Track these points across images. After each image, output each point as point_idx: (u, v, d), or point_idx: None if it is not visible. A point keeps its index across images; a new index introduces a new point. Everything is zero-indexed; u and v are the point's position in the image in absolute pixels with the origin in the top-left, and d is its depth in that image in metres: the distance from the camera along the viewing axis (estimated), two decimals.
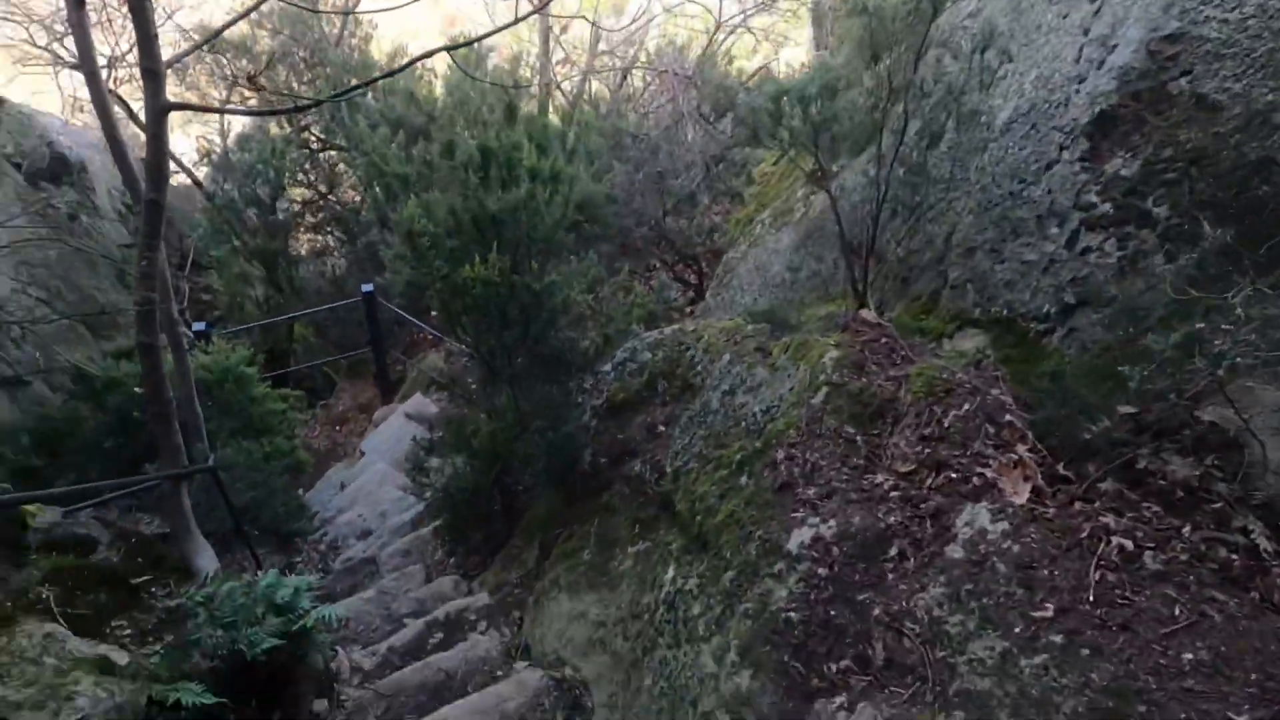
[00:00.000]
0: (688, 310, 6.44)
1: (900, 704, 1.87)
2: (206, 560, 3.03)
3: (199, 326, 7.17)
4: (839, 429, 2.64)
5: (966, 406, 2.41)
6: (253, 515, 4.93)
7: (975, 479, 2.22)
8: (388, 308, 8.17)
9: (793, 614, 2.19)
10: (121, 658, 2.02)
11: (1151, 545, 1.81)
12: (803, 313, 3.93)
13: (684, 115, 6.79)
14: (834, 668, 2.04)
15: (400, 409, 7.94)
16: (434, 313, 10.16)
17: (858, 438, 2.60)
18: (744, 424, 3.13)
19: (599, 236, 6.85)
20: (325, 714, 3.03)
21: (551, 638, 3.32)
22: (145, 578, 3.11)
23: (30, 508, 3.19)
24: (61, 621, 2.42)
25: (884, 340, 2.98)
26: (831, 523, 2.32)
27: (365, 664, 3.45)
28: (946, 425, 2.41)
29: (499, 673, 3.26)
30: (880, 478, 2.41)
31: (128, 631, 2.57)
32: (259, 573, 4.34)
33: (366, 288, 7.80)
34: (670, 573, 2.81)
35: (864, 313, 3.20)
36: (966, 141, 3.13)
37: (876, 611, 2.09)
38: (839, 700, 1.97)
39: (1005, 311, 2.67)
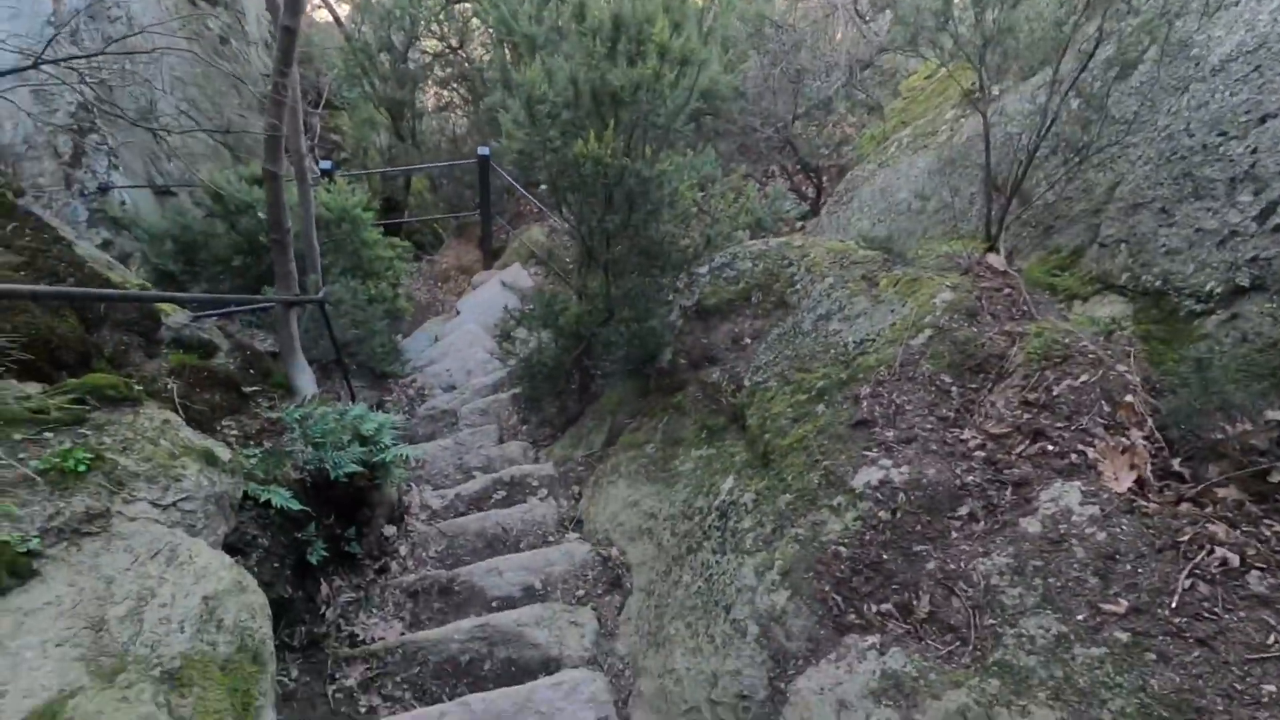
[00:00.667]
0: (798, 225, 6.13)
1: (934, 659, 1.84)
2: (306, 382, 3.28)
3: (325, 165, 7.46)
4: (934, 376, 2.48)
5: (1084, 378, 2.19)
6: (353, 350, 5.30)
7: (1073, 455, 2.05)
8: (500, 174, 8.21)
9: (843, 548, 2.16)
10: (225, 453, 2.23)
11: (1262, 566, 1.63)
12: (922, 246, 3.64)
13: (836, 8, 6.16)
14: (874, 609, 2.02)
15: (498, 276, 8.15)
16: (542, 186, 10.19)
17: (953, 388, 2.44)
18: (833, 352, 3.00)
19: (720, 132, 6.52)
20: (393, 538, 3.32)
21: (604, 518, 3.46)
22: (254, 388, 3.42)
23: (165, 307, 3.52)
24: (180, 412, 2.70)
25: (1006, 290, 2.73)
26: (905, 469, 2.22)
27: (434, 503, 3.73)
28: (1055, 394, 2.21)
29: (550, 538, 3.45)
30: (967, 434, 2.27)
31: (234, 432, 2.85)
32: (352, 403, 4.71)
33: (483, 150, 7.83)
34: (729, 483, 2.82)
35: (991, 257, 2.92)
36: (1165, 77, 2.67)
37: (930, 566, 2.02)
38: (872, 640, 1.96)
39: (1159, 283, 2.35)
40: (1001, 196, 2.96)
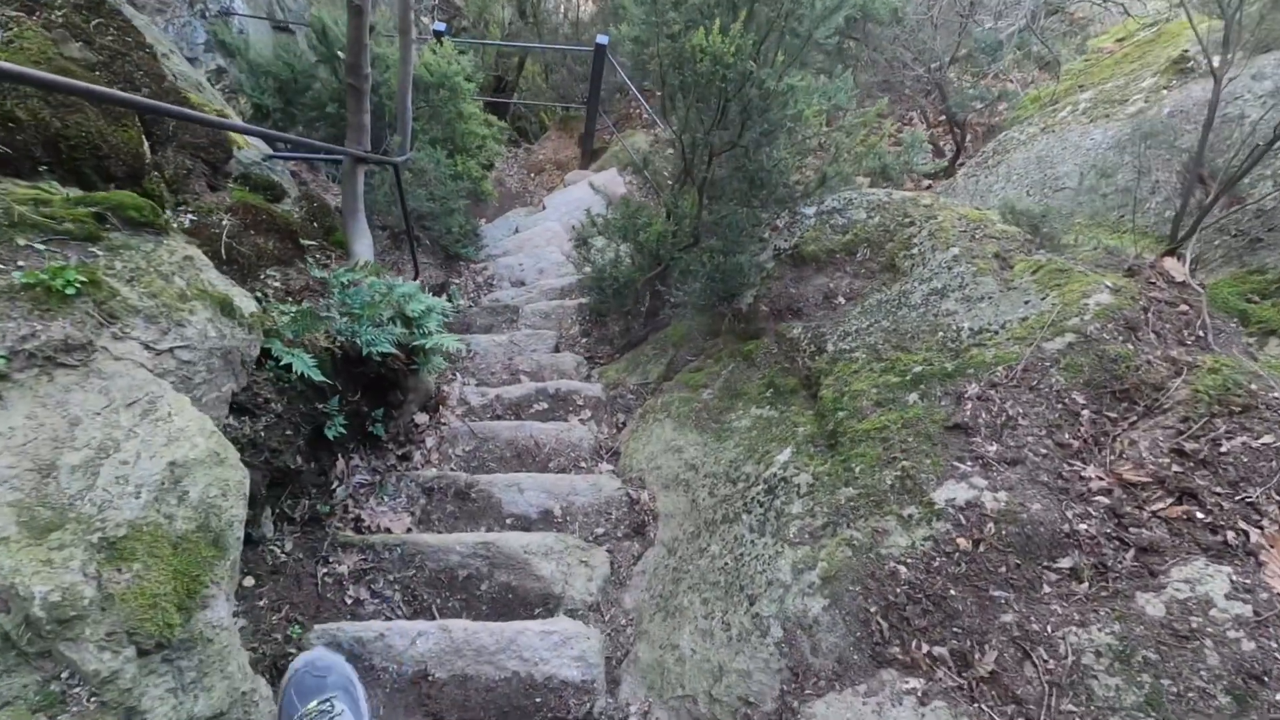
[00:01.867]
0: (927, 182, 5.46)
1: None
2: (363, 248, 3.08)
3: (438, 26, 7.12)
4: (1064, 391, 2.03)
5: (1267, 439, 1.72)
6: (427, 225, 5.11)
7: (1229, 533, 1.61)
8: (616, 69, 7.68)
9: (904, 569, 1.82)
10: (249, 305, 2.04)
11: None
12: (1080, 233, 3.06)
13: None
14: (925, 649, 1.69)
15: (590, 178, 7.77)
16: (657, 93, 9.56)
17: (1084, 411, 1.99)
18: (941, 335, 2.56)
19: (860, 60, 5.79)
20: (423, 427, 3.18)
21: (642, 457, 3.20)
22: (313, 241, 3.25)
23: (237, 138, 3.35)
24: (222, 250, 2.53)
25: (1182, 307, 2.20)
26: (1001, 495, 1.83)
27: (473, 399, 3.56)
28: (1222, 450, 1.75)
29: (582, 463, 3.24)
30: (1091, 472, 1.84)
31: (275, 283, 2.68)
32: (415, 279, 4.55)
33: (601, 39, 7.30)
34: (785, 455, 2.49)
35: (1170, 262, 2.37)
36: None
37: (1007, 618, 1.66)
38: (913, 684, 1.65)
39: None
40: (1204, 190, 2.37)
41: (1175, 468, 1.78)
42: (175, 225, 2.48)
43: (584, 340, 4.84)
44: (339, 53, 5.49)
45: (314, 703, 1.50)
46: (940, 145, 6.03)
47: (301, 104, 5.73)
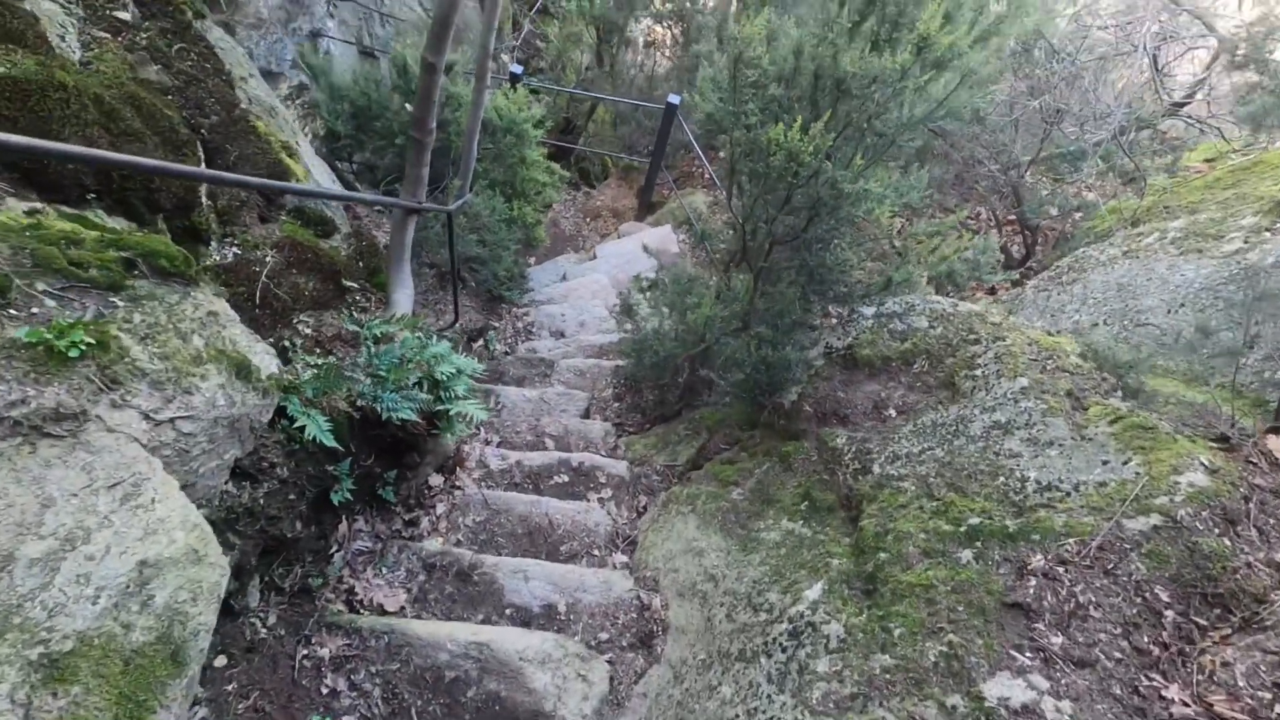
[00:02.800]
0: (992, 287, 5.23)
1: None
2: (403, 298, 3.00)
3: (516, 69, 7.23)
4: (1147, 583, 1.79)
5: None
6: (474, 268, 5.06)
7: None
8: (683, 129, 7.68)
9: None
10: (268, 365, 1.94)
11: None
12: (1165, 381, 2.82)
13: (1141, 48, 5.04)
14: None
15: (646, 232, 7.73)
16: (721, 153, 9.56)
17: (1168, 613, 1.74)
18: (1002, 480, 2.33)
19: (935, 153, 5.65)
20: (437, 490, 3.03)
21: (660, 555, 3.00)
22: (353, 284, 3.19)
23: (297, 169, 3.33)
24: (257, 296, 2.45)
25: None
26: (1065, 705, 1.59)
27: (492, 463, 3.41)
28: None
29: (595, 552, 3.04)
30: (1174, 693, 1.59)
31: (307, 330, 2.59)
32: (455, 325, 4.48)
33: (673, 99, 7.32)
34: (815, 592, 2.26)
35: (1274, 441, 2.12)
36: None
37: None
38: None
39: None
40: None
41: (1275, 698, 1.51)
42: (213, 261, 2.42)
43: (616, 405, 4.68)
44: (414, 90, 5.56)
45: None
46: (1008, 246, 5.81)
47: (372, 131, 5.80)
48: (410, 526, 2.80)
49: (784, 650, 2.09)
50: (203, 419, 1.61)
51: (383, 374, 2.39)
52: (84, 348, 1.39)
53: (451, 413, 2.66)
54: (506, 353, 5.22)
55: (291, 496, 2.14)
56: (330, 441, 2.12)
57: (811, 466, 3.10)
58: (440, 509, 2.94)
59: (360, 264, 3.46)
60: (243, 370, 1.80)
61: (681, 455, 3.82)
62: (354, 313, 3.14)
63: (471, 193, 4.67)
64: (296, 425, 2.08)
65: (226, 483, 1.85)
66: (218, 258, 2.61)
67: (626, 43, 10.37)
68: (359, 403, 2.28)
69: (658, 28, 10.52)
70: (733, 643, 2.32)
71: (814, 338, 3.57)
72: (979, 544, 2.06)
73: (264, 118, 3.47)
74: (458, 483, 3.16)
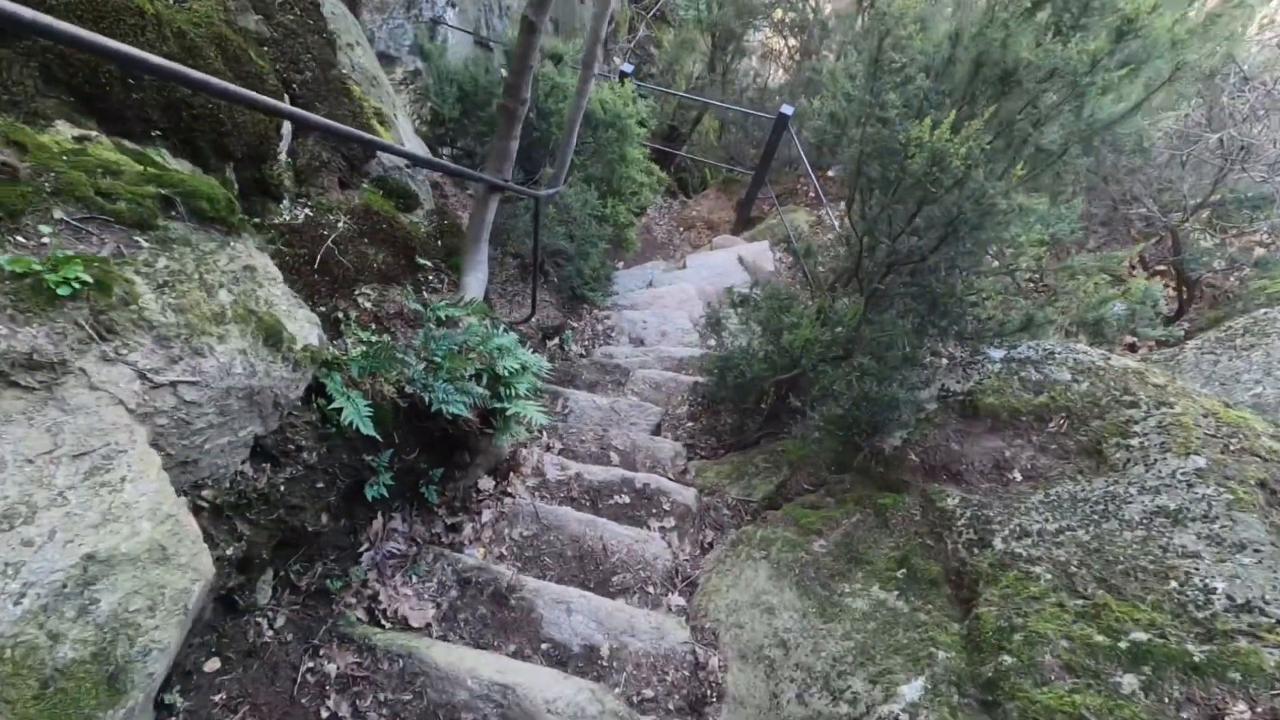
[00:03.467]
0: (1133, 344, 4.55)
1: None
2: (475, 282, 2.75)
3: (626, 68, 7.04)
4: None
5: None
6: (560, 263, 4.83)
7: None
8: (794, 142, 7.28)
9: None
10: (306, 335, 1.70)
11: None
12: None
13: None
14: None
15: (740, 247, 7.35)
16: (831, 172, 9.07)
17: None
18: (1175, 585, 1.82)
19: (1083, 184, 5.01)
20: (486, 495, 2.76)
21: (723, 604, 2.61)
22: (428, 262, 2.98)
23: (387, 135, 3.17)
24: (316, 259, 2.25)
25: None
26: None
27: (550, 472, 3.12)
28: None
29: (651, 588, 2.69)
30: None
31: (367, 304, 2.38)
32: (531, 319, 4.24)
33: (786, 109, 6.93)
34: (913, 692, 1.83)
35: None
36: None
37: None
38: None
39: None
40: None
41: None
42: (283, 219, 2.24)
43: (690, 425, 4.32)
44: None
45: None
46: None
47: (477, 117, 5.70)
48: (452, 532, 2.54)
49: None
50: (213, 387, 1.37)
51: (438, 360, 2.13)
52: (78, 286, 1.17)
53: (509, 413, 2.37)
54: (582, 355, 4.96)
55: (319, 485, 1.89)
56: (369, 429, 1.86)
57: (913, 527, 2.64)
58: (486, 516, 2.66)
59: (439, 243, 3.26)
60: (273, 336, 1.56)
61: (758, 490, 3.42)
62: (424, 292, 2.93)
63: (566, 185, 4.45)
64: (333, 406, 1.83)
65: (243, 463, 1.62)
66: (288, 217, 2.43)
67: (742, 52, 10.06)
68: (407, 389, 2.02)
69: (775, 39, 10.15)
70: None
71: (926, 377, 3.10)
72: (1148, 670, 1.58)
73: (362, 84, 3.34)
74: (510, 489, 2.88)
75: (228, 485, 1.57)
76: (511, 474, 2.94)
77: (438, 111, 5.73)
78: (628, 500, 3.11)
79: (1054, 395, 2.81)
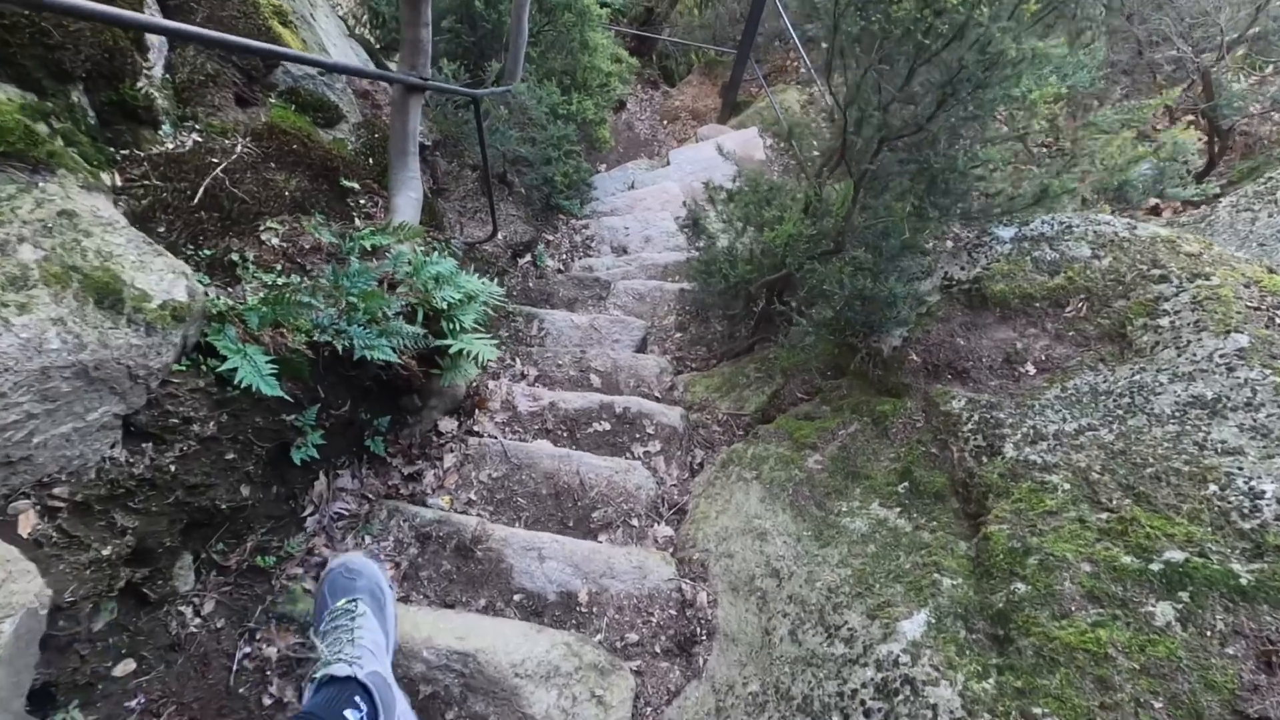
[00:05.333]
0: (1155, 205, 4.14)
1: None
2: (405, 203, 2.41)
3: None
4: None
5: None
6: (522, 170, 4.41)
7: None
8: (779, 13, 6.57)
9: None
10: (166, 289, 1.41)
11: None
12: None
13: None
14: None
15: (725, 136, 6.80)
16: (824, 44, 8.30)
17: None
18: (1215, 489, 1.58)
19: (1104, 29, 4.43)
20: (448, 436, 2.54)
21: (712, 532, 2.43)
22: (354, 184, 2.63)
23: (293, 39, 2.74)
24: (199, 194, 1.92)
25: None
26: None
27: (521, 404, 2.89)
28: None
29: (634, 521, 2.51)
30: None
31: (275, 240, 2.06)
32: (495, 237, 3.89)
33: None
34: (915, 628, 1.64)
35: None
36: None
37: None
38: None
39: None
40: None
41: None
42: (161, 149, 1.90)
43: (678, 336, 4.05)
44: None
45: (342, 601, 1.52)
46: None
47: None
48: (410, 482, 2.33)
49: (866, 717, 1.49)
50: (18, 370, 1.09)
51: (353, 300, 1.84)
52: None
53: (454, 350, 2.10)
54: (559, 271, 4.63)
55: (229, 456, 1.66)
56: (274, 389, 1.61)
57: (915, 434, 2.40)
58: (449, 461, 2.45)
59: (370, 160, 2.89)
60: (109, 296, 1.27)
61: (749, 403, 3.19)
62: (357, 218, 2.60)
63: (514, 81, 3.97)
64: (226, 368, 1.56)
65: (113, 448, 1.37)
66: (171, 145, 2.08)
67: None
68: (317, 338, 1.74)
69: None
70: (795, 680, 1.74)
71: (927, 265, 2.77)
72: (1186, 596, 1.36)
73: None
74: (476, 426, 2.66)
75: (93, 477, 1.33)
76: (477, 410, 2.71)
77: (375, 9, 5.14)
78: (608, 427, 2.89)
79: (1072, 275, 2.49)
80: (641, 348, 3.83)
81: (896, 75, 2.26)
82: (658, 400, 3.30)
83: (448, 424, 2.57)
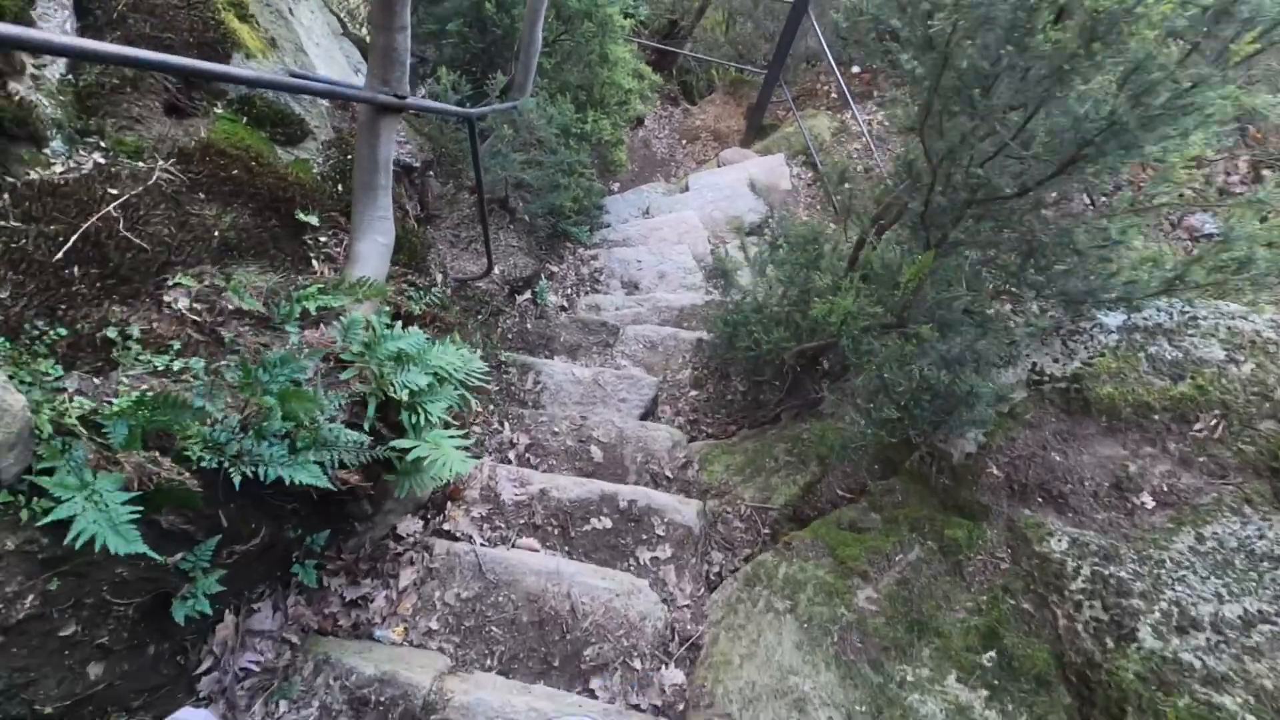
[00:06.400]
0: None
1: None
2: (369, 248, 1.90)
3: None
4: None
5: None
6: (527, 197, 3.92)
7: None
8: (814, 32, 6.10)
9: None
10: None
11: None
12: None
13: None
14: None
15: (750, 164, 6.32)
16: (856, 68, 7.83)
17: None
18: None
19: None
20: (411, 542, 2.03)
21: (735, 689, 1.90)
22: (313, 219, 2.13)
23: (247, 41, 2.25)
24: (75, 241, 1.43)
25: None
26: None
27: (504, 491, 2.37)
28: None
29: (635, 663, 1.99)
30: None
31: (182, 301, 1.55)
32: (491, 272, 3.39)
33: None
34: None
35: None
36: None
37: None
38: None
39: None
40: None
41: None
42: (41, 175, 1.41)
43: (693, 395, 3.55)
44: None
45: None
46: None
47: (427, 15, 4.63)
48: (354, 609, 1.82)
49: None
50: None
51: (268, 401, 1.33)
52: None
53: (412, 459, 1.59)
54: (563, 308, 4.13)
55: (67, 633, 1.15)
56: (131, 544, 1.11)
57: (999, 578, 1.89)
58: (407, 577, 1.93)
59: (340, 187, 2.39)
60: None
61: (778, 493, 2.67)
62: (316, 261, 2.11)
63: (523, 95, 3.49)
64: (61, 515, 1.06)
65: None
66: (60, 168, 1.59)
67: None
68: (208, 463, 1.23)
69: None
70: None
71: (1008, 352, 2.26)
72: None
73: None
74: (446, 525, 2.15)
75: None
76: (449, 503, 2.20)
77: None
78: (609, 525, 2.37)
79: (1201, 383, 1.98)
80: (651, 409, 3.32)
81: (1007, 123, 1.76)
82: (669, 480, 2.79)
83: (410, 525, 2.06)
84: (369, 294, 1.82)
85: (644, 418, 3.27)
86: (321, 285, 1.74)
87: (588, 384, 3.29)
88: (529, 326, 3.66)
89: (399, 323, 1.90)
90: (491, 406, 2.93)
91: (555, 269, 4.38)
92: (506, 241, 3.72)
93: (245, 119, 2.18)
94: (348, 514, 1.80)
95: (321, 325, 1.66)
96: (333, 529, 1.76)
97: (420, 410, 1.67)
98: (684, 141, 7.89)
